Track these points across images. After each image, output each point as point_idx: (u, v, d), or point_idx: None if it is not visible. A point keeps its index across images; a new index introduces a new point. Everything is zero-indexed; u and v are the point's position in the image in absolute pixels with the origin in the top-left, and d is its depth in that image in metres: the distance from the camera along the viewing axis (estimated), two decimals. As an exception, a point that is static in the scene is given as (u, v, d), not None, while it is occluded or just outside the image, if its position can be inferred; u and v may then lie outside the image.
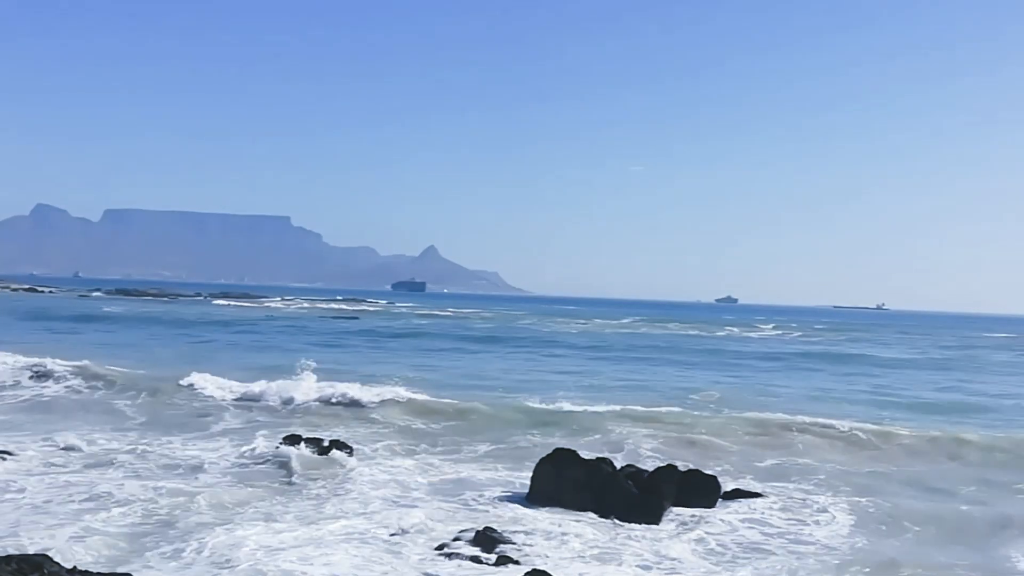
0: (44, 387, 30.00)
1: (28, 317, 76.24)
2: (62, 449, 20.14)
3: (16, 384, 30.05)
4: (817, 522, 16.26)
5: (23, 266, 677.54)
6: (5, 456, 18.71)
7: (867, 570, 13.60)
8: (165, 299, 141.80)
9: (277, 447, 20.46)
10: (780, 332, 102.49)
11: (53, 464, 18.62)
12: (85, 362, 33.46)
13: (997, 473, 21.36)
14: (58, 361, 33.03)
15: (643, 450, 22.43)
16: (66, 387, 30.17)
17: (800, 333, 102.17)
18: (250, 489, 17.16)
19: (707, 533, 15.26)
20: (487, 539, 13.89)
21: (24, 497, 15.55)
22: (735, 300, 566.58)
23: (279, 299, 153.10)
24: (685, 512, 16.61)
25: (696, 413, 27.49)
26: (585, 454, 18.20)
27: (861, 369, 52.94)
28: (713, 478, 18.06)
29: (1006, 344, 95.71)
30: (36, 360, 32.81)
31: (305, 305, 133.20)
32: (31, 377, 31.22)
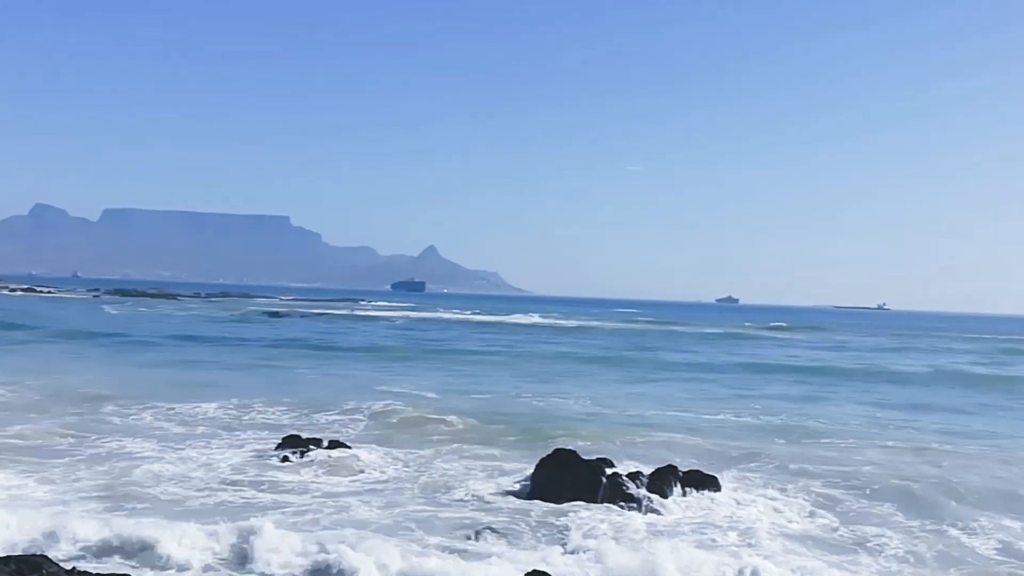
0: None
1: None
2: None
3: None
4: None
5: (22, 266, 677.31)
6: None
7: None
8: (164, 299, 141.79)
9: (289, 451, 20.30)
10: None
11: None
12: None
13: None
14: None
15: (644, 452, 22.46)
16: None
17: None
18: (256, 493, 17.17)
19: (700, 530, 15.32)
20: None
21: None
22: (736, 300, 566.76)
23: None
24: (685, 503, 16.81)
25: None
26: (585, 455, 18.24)
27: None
28: (714, 478, 18.15)
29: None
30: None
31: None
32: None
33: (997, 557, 14.54)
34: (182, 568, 12.31)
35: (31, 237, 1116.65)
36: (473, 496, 17.20)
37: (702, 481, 17.87)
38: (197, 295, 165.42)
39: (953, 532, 15.76)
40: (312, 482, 18.01)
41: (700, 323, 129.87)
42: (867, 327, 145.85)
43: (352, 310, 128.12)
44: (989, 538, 15.49)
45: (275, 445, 20.83)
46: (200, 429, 23.87)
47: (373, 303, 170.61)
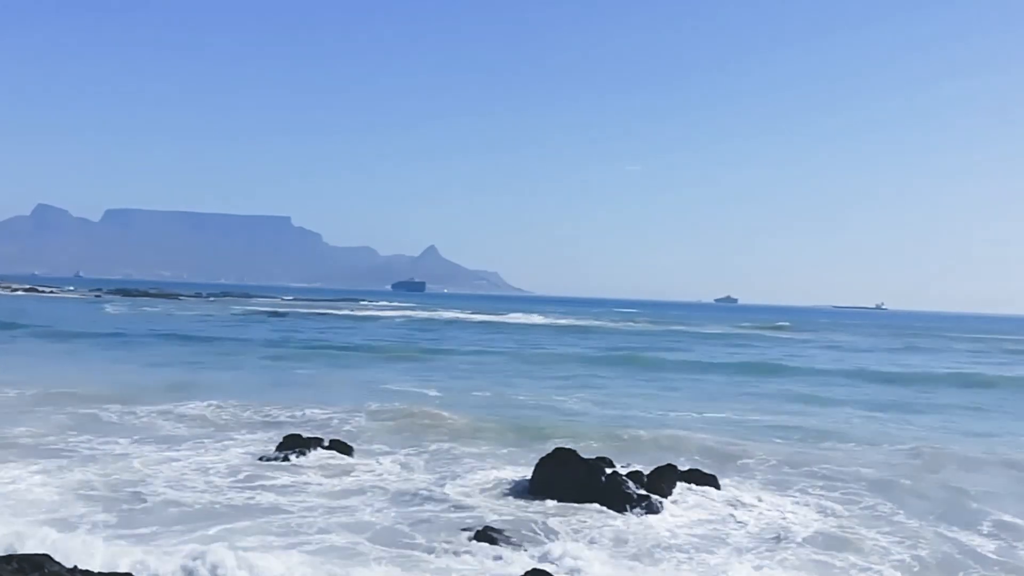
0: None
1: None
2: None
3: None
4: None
5: (24, 266, 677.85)
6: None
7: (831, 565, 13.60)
8: (165, 299, 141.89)
9: (290, 451, 20.23)
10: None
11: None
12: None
13: None
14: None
15: (643, 451, 22.43)
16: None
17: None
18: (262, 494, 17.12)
19: (700, 528, 15.28)
20: (487, 537, 13.90)
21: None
22: (735, 300, 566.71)
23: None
24: (685, 503, 16.80)
25: None
26: (585, 454, 18.20)
27: None
28: (713, 477, 18.14)
29: None
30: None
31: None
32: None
33: (999, 559, 14.45)
34: None
35: (33, 237, 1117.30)
36: (473, 495, 17.17)
37: (702, 480, 17.94)
38: (198, 295, 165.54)
39: (958, 535, 15.63)
40: (312, 483, 17.95)
41: (699, 323, 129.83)
42: (866, 327, 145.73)
43: (352, 310, 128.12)
44: (992, 541, 15.41)
45: (276, 445, 20.78)
46: (199, 429, 23.82)
47: (373, 303, 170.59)
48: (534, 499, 16.76)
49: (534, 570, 11.91)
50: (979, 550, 14.79)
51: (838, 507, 17.32)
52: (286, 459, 19.63)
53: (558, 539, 14.29)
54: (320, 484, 17.85)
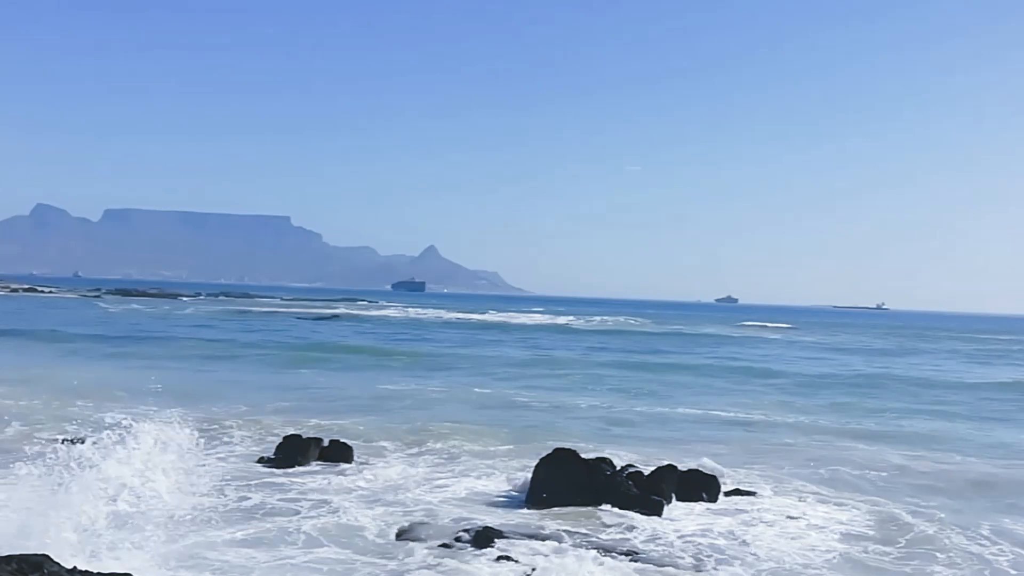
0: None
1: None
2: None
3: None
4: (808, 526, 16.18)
5: (23, 266, 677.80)
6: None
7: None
8: (164, 299, 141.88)
9: (288, 453, 20.12)
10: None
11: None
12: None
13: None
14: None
15: (643, 452, 22.36)
16: None
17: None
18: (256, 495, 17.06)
19: (700, 528, 15.19)
20: (487, 538, 13.83)
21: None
22: (735, 300, 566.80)
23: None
24: (685, 503, 16.79)
25: None
26: (585, 454, 18.13)
27: None
28: (713, 477, 18.03)
29: None
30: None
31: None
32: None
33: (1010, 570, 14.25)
34: None
35: (32, 237, 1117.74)
36: (472, 496, 17.16)
37: (701, 481, 17.79)
38: (198, 295, 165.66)
39: (970, 544, 15.19)
40: (311, 485, 17.89)
41: (700, 323, 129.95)
42: (867, 327, 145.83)
43: (352, 310, 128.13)
44: (996, 545, 15.28)
45: (275, 447, 20.71)
46: (195, 430, 23.64)
47: (373, 303, 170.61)
48: (534, 500, 16.69)
49: (534, 571, 11.86)
50: (993, 563, 14.31)
51: (841, 512, 17.10)
52: (285, 461, 19.56)
53: (558, 540, 14.22)
54: (319, 485, 17.79)
